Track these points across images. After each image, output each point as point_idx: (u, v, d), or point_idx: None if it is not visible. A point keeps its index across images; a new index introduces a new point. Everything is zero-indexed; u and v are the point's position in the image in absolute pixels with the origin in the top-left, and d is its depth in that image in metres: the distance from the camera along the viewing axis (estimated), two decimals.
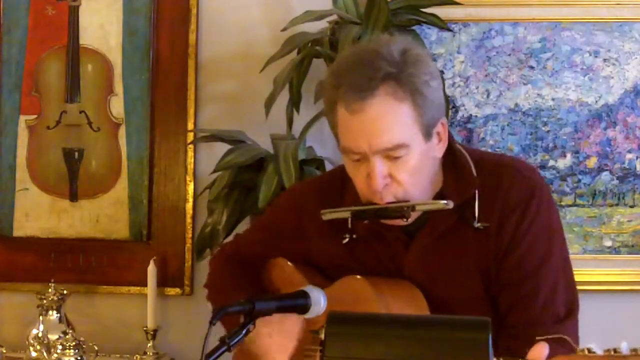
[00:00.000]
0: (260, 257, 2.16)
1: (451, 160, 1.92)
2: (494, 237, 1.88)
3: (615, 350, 1.37)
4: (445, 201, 1.83)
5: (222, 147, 2.78)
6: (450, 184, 1.91)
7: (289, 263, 2.11)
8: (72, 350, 2.76)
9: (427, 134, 1.83)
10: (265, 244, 2.15)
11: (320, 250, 2.04)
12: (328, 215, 1.95)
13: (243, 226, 2.69)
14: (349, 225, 1.97)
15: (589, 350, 1.39)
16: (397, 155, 1.80)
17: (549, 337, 1.63)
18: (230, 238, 2.44)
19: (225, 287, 2.13)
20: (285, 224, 2.09)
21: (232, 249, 2.24)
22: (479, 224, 1.88)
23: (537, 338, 1.50)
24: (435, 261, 1.92)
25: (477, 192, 1.89)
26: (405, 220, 1.85)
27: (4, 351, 2.91)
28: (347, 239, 1.98)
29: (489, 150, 2.87)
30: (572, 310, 1.88)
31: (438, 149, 1.88)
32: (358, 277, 1.93)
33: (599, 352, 1.39)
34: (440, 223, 1.90)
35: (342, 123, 1.83)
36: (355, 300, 1.90)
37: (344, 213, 1.92)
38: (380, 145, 1.79)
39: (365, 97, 1.78)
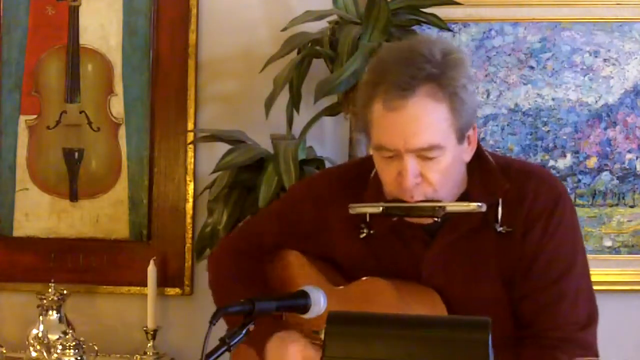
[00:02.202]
0: (272, 248, 2.14)
1: (478, 164, 1.93)
2: (518, 243, 1.88)
3: None
4: (478, 204, 1.84)
5: (222, 147, 2.78)
6: (476, 187, 1.91)
7: (303, 257, 2.09)
8: (72, 350, 2.76)
9: (461, 137, 1.84)
10: (281, 235, 2.12)
11: (337, 244, 2.03)
12: (357, 209, 1.93)
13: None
14: (367, 220, 1.96)
15: None
16: (431, 156, 1.80)
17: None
18: (236, 229, 2.39)
19: (233, 288, 2.09)
20: (304, 215, 2.07)
21: (238, 243, 2.19)
22: (501, 228, 1.88)
23: None
24: (455, 262, 1.92)
25: (500, 198, 1.89)
26: (437, 220, 1.85)
27: (4, 351, 2.91)
28: (364, 234, 1.97)
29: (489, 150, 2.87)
30: (592, 318, 1.90)
31: (468, 152, 1.89)
32: (380, 279, 1.92)
33: None
34: (462, 224, 1.90)
35: (377, 120, 1.83)
36: (377, 304, 1.89)
37: (374, 208, 1.90)
38: (416, 144, 1.79)
39: (406, 96, 1.77)
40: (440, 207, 1.83)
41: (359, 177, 2.00)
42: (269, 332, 1.98)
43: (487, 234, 1.90)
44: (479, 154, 1.93)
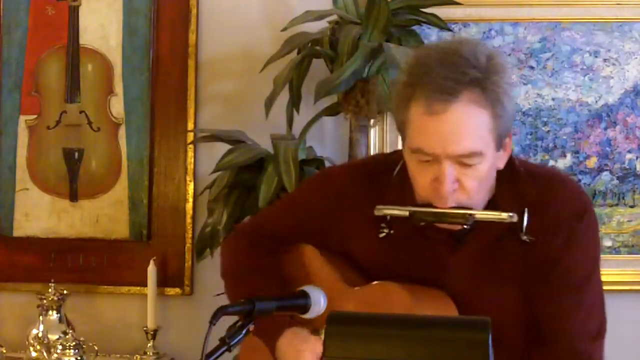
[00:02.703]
0: (287, 240, 2.10)
1: (507, 171, 1.89)
2: (541, 250, 1.86)
3: None
4: (510, 214, 1.80)
5: (222, 147, 2.78)
6: (505, 195, 1.88)
7: (318, 253, 2.06)
8: (72, 350, 2.76)
9: (499, 144, 1.80)
10: (297, 229, 2.08)
11: (355, 241, 2.00)
12: (383, 211, 1.89)
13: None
14: (388, 220, 1.92)
15: None
16: (470, 162, 1.76)
17: None
18: (250, 218, 2.37)
19: (247, 281, 2.07)
20: (322, 209, 2.03)
21: (253, 233, 2.15)
22: (526, 237, 1.85)
23: None
24: (480, 269, 1.89)
25: (526, 208, 1.86)
26: (467, 227, 1.81)
27: (4, 351, 2.91)
28: (384, 234, 1.93)
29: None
30: (602, 331, 1.89)
31: (503, 159, 1.85)
32: (395, 284, 1.90)
33: None
34: (490, 231, 1.87)
35: (416, 123, 1.78)
36: (391, 309, 1.87)
37: (401, 212, 1.86)
38: (457, 151, 1.74)
39: (449, 100, 1.72)
40: (470, 215, 1.79)
41: (382, 174, 1.97)
42: (280, 327, 1.96)
43: (512, 242, 1.87)
44: (509, 162, 1.89)
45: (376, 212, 1.90)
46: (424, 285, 1.92)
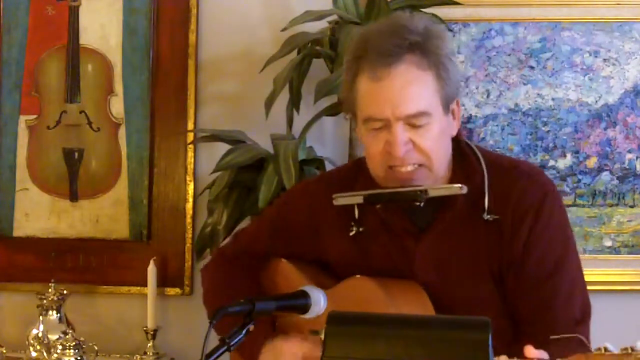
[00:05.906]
0: (265, 254, 2.14)
1: (459, 152, 1.95)
2: (506, 236, 1.89)
3: (632, 349, 1.38)
4: (459, 185, 1.85)
5: (222, 147, 2.78)
6: (459, 174, 1.93)
7: (290, 264, 2.10)
8: (72, 350, 2.76)
9: (446, 107, 1.86)
10: (274, 241, 2.13)
11: (329, 244, 2.04)
12: (340, 200, 1.95)
13: (243, 226, 2.68)
14: (356, 217, 1.97)
15: (606, 349, 1.40)
16: (420, 123, 1.82)
17: (566, 336, 1.63)
18: (229, 239, 2.42)
19: (228, 295, 2.07)
20: (297, 221, 2.08)
21: (232, 250, 2.20)
22: (489, 216, 1.89)
23: (552, 337, 1.51)
24: (446, 255, 1.92)
25: (486, 184, 1.90)
26: (419, 204, 1.85)
27: (4, 351, 2.91)
28: (353, 231, 1.98)
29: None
30: (586, 313, 1.91)
31: (453, 126, 1.92)
32: (365, 278, 1.93)
33: (615, 350, 1.40)
34: (450, 215, 1.91)
35: (364, 92, 1.85)
36: (366, 302, 1.89)
37: (356, 198, 1.93)
38: (405, 111, 1.81)
39: (392, 63, 1.80)
40: (422, 190, 1.85)
41: (350, 177, 2.01)
42: (260, 341, 1.98)
43: (475, 224, 1.90)
44: (459, 143, 1.95)
45: (334, 202, 1.95)
46: (397, 278, 1.94)
